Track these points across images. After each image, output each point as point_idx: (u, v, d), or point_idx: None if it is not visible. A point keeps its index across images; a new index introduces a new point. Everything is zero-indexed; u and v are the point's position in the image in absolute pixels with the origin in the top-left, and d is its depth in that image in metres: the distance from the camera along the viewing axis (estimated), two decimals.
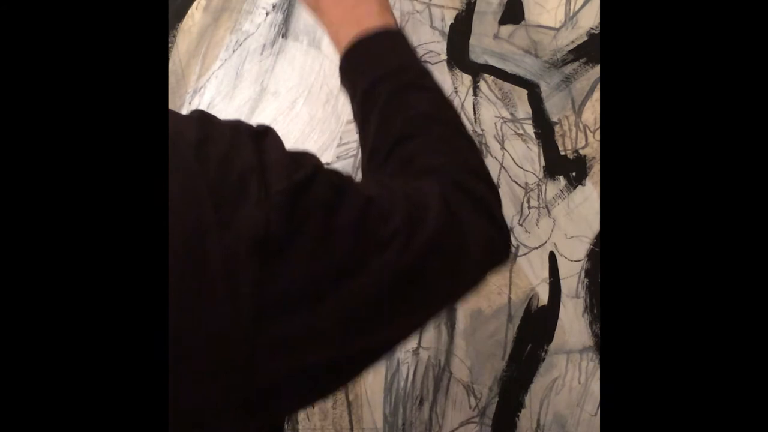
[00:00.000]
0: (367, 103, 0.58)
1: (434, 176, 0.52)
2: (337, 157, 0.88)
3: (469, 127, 0.76)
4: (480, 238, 0.51)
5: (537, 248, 0.72)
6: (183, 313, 0.38)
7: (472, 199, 0.52)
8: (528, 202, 0.72)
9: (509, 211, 0.74)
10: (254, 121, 0.98)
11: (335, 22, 0.62)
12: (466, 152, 0.57)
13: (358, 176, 0.85)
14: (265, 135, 0.46)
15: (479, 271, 0.53)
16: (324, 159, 0.90)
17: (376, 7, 0.61)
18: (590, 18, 0.70)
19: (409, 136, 0.55)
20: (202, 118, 0.45)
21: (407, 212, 0.47)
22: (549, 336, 0.70)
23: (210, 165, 0.41)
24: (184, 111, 1.07)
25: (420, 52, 0.81)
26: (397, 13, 0.83)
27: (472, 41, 0.78)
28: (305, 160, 0.46)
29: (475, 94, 0.77)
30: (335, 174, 0.47)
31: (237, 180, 0.41)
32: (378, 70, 0.58)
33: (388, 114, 0.57)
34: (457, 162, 0.55)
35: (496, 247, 0.54)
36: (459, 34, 0.79)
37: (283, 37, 0.97)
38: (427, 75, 0.60)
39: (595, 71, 0.69)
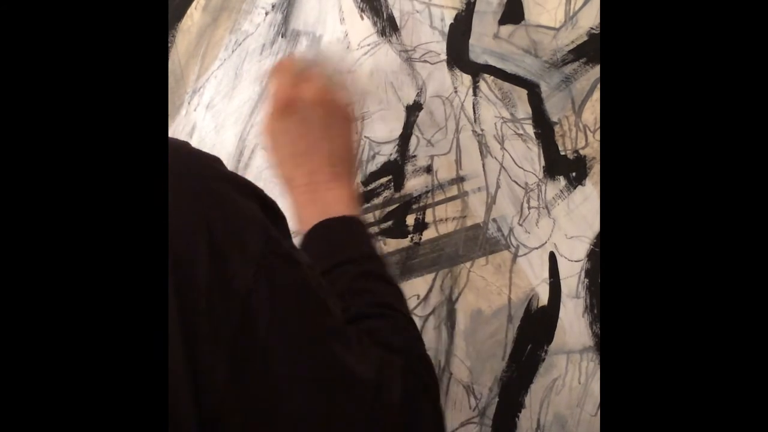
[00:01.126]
0: (330, 277, 0.58)
1: (395, 355, 0.53)
2: None
3: (468, 126, 0.77)
4: (429, 422, 0.54)
5: (537, 248, 0.72)
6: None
7: (424, 387, 0.54)
8: (528, 202, 0.72)
9: (509, 211, 0.74)
10: (254, 120, 0.98)
11: (300, 204, 0.63)
12: (419, 342, 0.59)
13: (358, 178, 0.85)
14: (273, 206, 0.48)
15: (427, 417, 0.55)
16: None
17: (346, 195, 0.63)
18: (590, 18, 0.70)
19: (372, 316, 0.56)
20: (216, 162, 0.46)
21: (381, 369, 0.49)
22: (549, 336, 0.70)
23: (214, 213, 0.42)
24: (183, 111, 1.07)
25: (419, 52, 0.81)
26: (396, 13, 0.83)
27: (471, 41, 0.78)
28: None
29: (474, 94, 0.77)
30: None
31: (238, 232, 0.42)
32: (341, 254, 0.59)
33: (353, 294, 0.57)
34: (413, 349, 0.57)
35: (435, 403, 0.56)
36: (459, 34, 0.78)
37: (282, 37, 0.97)
38: (385, 267, 0.62)
39: (595, 71, 0.69)
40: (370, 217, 0.82)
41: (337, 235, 0.60)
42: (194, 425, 0.39)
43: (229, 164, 0.97)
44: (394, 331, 0.57)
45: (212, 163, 0.45)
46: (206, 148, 1.02)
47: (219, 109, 1.03)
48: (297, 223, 0.62)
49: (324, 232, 0.60)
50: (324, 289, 0.49)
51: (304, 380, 0.45)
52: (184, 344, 0.39)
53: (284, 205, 0.52)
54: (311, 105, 0.64)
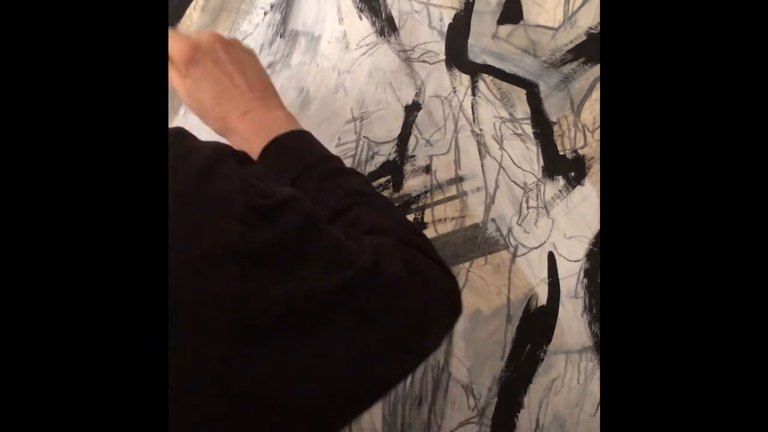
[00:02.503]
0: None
1: (385, 234, 0.54)
2: None
3: (467, 126, 0.77)
4: (441, 289, 0.54)
5: (536, 248, 0.72)
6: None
7: (422, 252, 0.54)
8: (527, 202, 0.72)
9: (508, 211, 0.74)
10: None
11: (245, 135, 0.64)
12: (402, 216, 0.60)
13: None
14: (249, 160, 0.48)
15: (444, 320, 0.55)
16: None
17: (281, 114, 0.65)
18: (589, 18, 0.70)
19: (349, 207, 0.58)
20: (181, 134, 0.45)
21: (374, 253, 0.48)
22: (548, 336, 0.70)
23: (190, 177, 0.41)
24: (182, 111, 1.07)
25: (418, 52, 0.81)
26: (395, 13, 0.83)
27: (470, 41, 0.78)
28: (285, 184, 0.47)
29: (473, 93, 0.77)
30: (311, 206, 0.48)
31: (219, 194, 0.42)
32: (300, 162, 0.61)
33: (323, 194, 0.59)
34: (400, 223, 0.58)
35: (454, 296, 0.56)
36: (457, 34, 0.78)
37: (281, 37, 0.97)
38: (343, 163, 0.63)
39: (594, 71, 0.69)
40: None
41: (289, 148, 0.62)
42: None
43: None
44: (375, 213, 0.58)
45: (181, 137, 0.45)
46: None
47: None
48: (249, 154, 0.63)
49: (276, 149, 0.62)
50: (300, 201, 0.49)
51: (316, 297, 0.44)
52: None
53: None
54: (212, 46, 0.66)
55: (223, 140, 0.66)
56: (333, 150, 0.88)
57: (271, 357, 0.42)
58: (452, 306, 0.56)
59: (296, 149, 0.63)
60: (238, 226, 0.41)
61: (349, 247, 0.48)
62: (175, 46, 0.67)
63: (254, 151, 0.62)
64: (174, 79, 0.68)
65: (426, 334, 0.53)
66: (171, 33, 0.68)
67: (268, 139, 0.62)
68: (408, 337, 0.50)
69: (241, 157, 0.47)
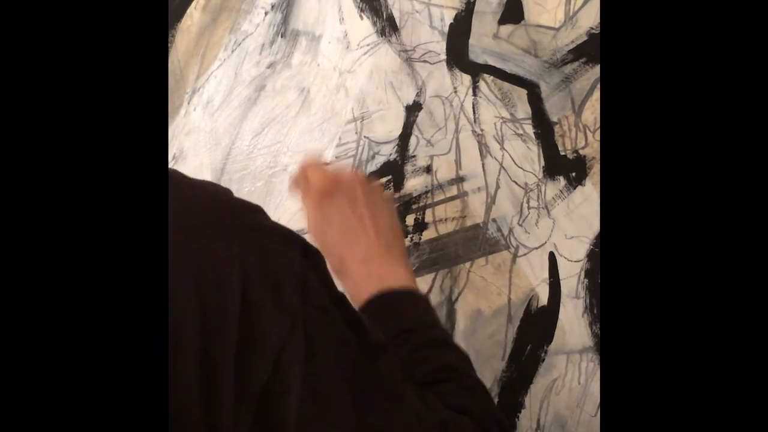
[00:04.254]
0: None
1: (467, 417, 0.51)
2: (336, 157, 0.88)
3: (468, 126, 0.77)
4: None
5: (537, 249, 0.72)
6: (185, 392, 0.37)
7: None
8: (528, 202, 0.72)
9: (509, 212, 0.74)
10: (254, 121, 0.98)
11: (358, 280, 0.62)
12: (490, 403, 0.57)
13: None
14: (316, 254, 0.46)
15: None
16: (323, 159, 0.90)
17: (402, 272, 0.62)
18: (590, 18, 0.70)
19: (438, 381, 0.55)
20: (257, 212, 0.45)
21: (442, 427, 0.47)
22: (549, 336, 0.70)
23: (250, 262, 0.41)
24: (183, 111, 1.07)
25: (419, 52, 0.81)
26: (396, 13, 0.83)
27: (471, 41, 0.78)
28: (350, 310, 0.46)
29: (474, 94, 0.77)
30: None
31: (274, 283, 0.41)
32: (403, 323, 0.58)
33: (416, 363, 0.56)
34: (484, 410, 0.54)
35: None
36: (458, 34, 0.78)
37: (281, 37, 0.97)
38: (449, 336, 0.61)
39: (595, 71, 0.69)
40: None
41: (396, 306, 0.60)
42: None
43: (229, 165, 0.97)
44: (462, 392, 0.55)
45: (252, 212, 0.44)
46: (204, 149, 1.02)
47: (218, 108, 1.03)
48: (354, 301, 0.60)
49: (383, 303, 0.59)
50: (374, 341, 0.47)
51: None
52: (205, 395, 0.38)
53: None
54: (352, 184, 0.66)
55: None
56: (333, 150, 0.88)
57: None
58: None
59: (402, 309, 0.60)
60: (282, 320, 0.41)
61: (414, 405, 0.47)
62: (317, 176, 0.66)
63: (361, 297, 0.61)
64: (306, 205, 0.67)
65: None
66: (315, 163, 0.68)
67: (378, 290, 0.60)
68: None
69: (310, 248, 0.46)
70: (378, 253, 0.63)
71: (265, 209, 0.47)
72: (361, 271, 0.62)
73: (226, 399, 0.38)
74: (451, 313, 0.76)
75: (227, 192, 0.44)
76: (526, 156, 0.73)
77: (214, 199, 0.42)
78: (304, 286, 0.42)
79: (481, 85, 0.77)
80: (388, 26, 0.84)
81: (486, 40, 0.77)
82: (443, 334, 0.60)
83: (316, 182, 0.66)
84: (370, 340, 0.46)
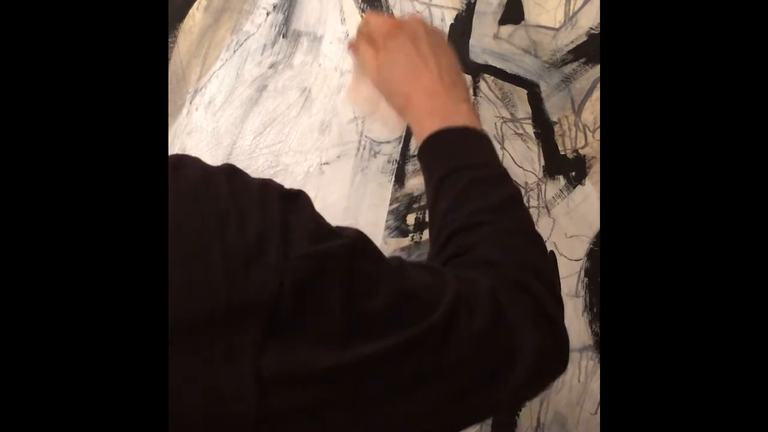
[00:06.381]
0: (441, 187, 0.57)
1: (491, 270, 0.49)
2: (338, 157, 0.88)
3: None
4: (531, 346, 0.47)
5: None
6: (181, 366, 0.37)
7: (529, 299, 0.49)
8: (528, 201, 0.72)
9: None
10: (255, 121, 0.98)
11: (422, 114, 0.61)
12: (531, 252, 0.54)
13: (357, 178, 0.86)
14: (296, 197, 0.44)
15: (527, 383, 0.48)
16: (324, 158, 0.90)
17: (465, 108, 0.61)
18: (590, 18, 0.70)
19: (475, 225, 0.53)
20: (231, 172, 0.43)
21: (451, 306, 0.44)
22: None
23: (229, 222, 0.39)
24: (185, 110, 1.07)
25: None
26: (397, 13, 0.84)
27: (472, 41, 0.78)
28: (339, 232, 0.44)
29: (475, 94, 0.77)
30: (373, 256, 0.44)
31: (255, 240, 0.39)
32: (459, 160, 0.58)
33: (459, 201, 0.55)
34: (518, 259, 0.51)
35: (549, 358, 0.49)
36: (459, 34, 0.79)
37: (283, 37, 0.97)
38: (506, 176, 0.58)
39: (595, 71, 0.70)
40: None
41: (453, 143, 0.59)
42: None
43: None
44: (495, 240, 0.52)
45: (225, 173, 0.43)
46: (206, 149, 1.02)
47: (220, 108, 1.03)
48: (416, 135, 0.62)
49: (441, 139, 0.59)
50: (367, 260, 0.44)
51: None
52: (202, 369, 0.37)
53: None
54: (414, 25, 0.66)
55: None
56: (334, 149, 0.89)
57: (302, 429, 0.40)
58: (540, 367, 0.48)
59: (459, 146, 0.59)
60: (269, 278, 0.39)
61: (419, 299, 0.44)
62: (378, 20, 0.67)
63: (423, 133, 0.60)
64: (367, 51, 0.67)
65: (498, 393, 0.47)
66: (376, 13, 0.69)
67: (441, 125, 0.59)
68: (470, 396, 0.46)
69: (290, 193, 0.44)
70: (442, 89, 0.62)
71: None
72: (426, 106, 0.62)
73: (222, 365, 0.37)
74: None
75: (195, 161, 0.43)
76: (526, 155, 0.73)
77: (183, 169, 0.42)
78: (286, 237, 0.40)
79: (482, 85, 0.77)
80: None
81: (486, 40, 0.77)
82: (494, 170, 0.58)
83: (380, 26, 0.66)
84: (363, 268, 0.43)
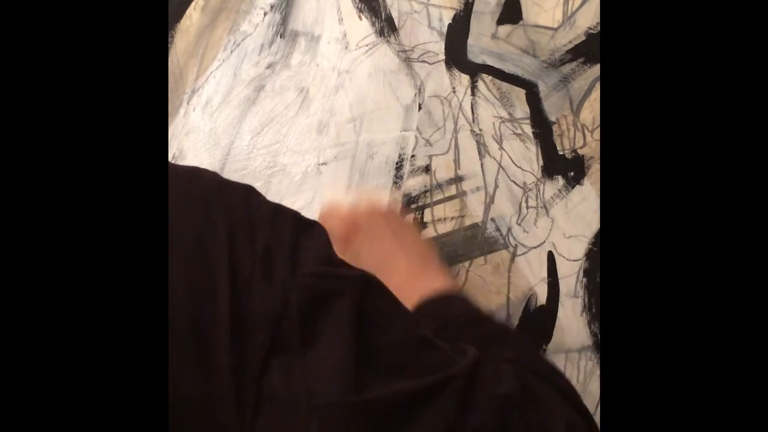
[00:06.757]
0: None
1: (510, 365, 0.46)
2: (335, 157, 0.88)
3: (467, 126, 0.77)
4: (562, 417, 0.43)
5: (535, 248, 0.72)
6: (182, 375, 0.36)
7: (553, 385, 0.46)
8: (526, 201, 0.72)
9: (508, 211, 0.74)
10: (253, 121, 0.98)
11: (403, 297, 0.60)
12: (542, 360, 0.52)
13: (356, 177, 0.86)
14: (311, 225, 0.43)
15: None
16: (322, 159, 0.90)
17: (441, 278, 0.61)
18: (588, 18, 0.70)
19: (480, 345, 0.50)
20: (248, 190, 0.42)
21: (474, 363, 0.41)
22: (548, 335, 0.70)
23: (239, 233, 0.39)
24: (182, 111, 1.07)
25: (418, 52, 0.81)
26: (395, 13, 0.83)
27: (470, 41, 0.78)
28: (351, 266, 0.42)
29: (473, 93, 0.77)
30: (389, 296, 0.43)
31: (263, 254, 0.39)
32: (444, 319, 0.55)
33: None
34: (536, 363, 0.49)
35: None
36: (457, 34, 0.79)
37: (281, 38, 0.97)
38: (504, 330, 0.57)
39: (593, 71, 0.70)
40: None
41: (441, 306, 0.58)
42: None
43: (228, 165, 0.97)
44: (506, 349, 0.50)
45: (238, 189, 0.42)
46: (203, 149, 1.02)
47: (217, 109, 1.03)
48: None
49: (428, 307, 0.58)
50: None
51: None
52: (204, 378, 0.37)
53: None
54: (370, 222, 0.65)
55: None
56: (331, 150, 0.89)
57: None
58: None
59: (447, 308, 0.58)
60: (273, 294, 0.38)
61: (438, 350, 0.41)
62: (335, 225, 0.65)
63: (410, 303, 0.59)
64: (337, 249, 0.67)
65: None
66: (329, 213, 0.67)
67: (420, 297, 0.58)
68: None
69: (305, 221, 0.43)
70: (415, 275, 0.62)
71: None
72: (402, 294, 0.61)
73: (226, 379, 0.36)
74: None
75: (214, 174, 0.43)
76: (525, 155, 0.73)
77: (198, 179, 0.41)
78: (294, 256, 0.39)
79: (480, 84, 0.77)
80: (386, 26, 0.84)
81: (484, 40, 0.77)
82: (496, 328, 0.56)
83: (338, 230, 0.65)
84: (376, 305, 0.42)
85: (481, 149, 0.76)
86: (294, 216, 0.43)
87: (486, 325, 0.56)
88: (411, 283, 0.61)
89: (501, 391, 0.41)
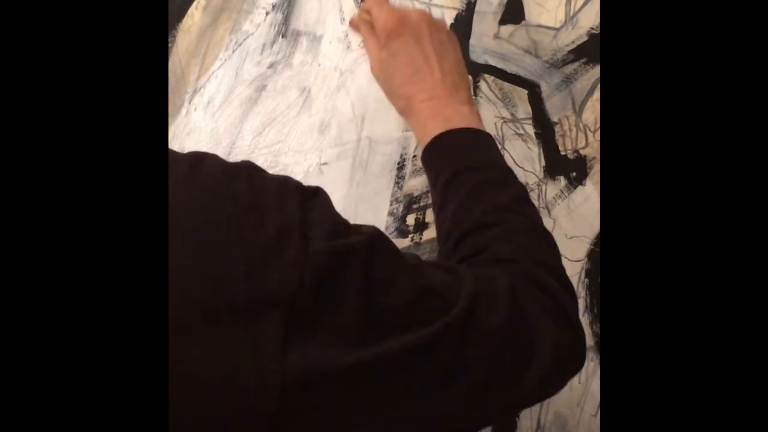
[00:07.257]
0: (447, 189, 0.57)
1: (507, 266, 0.50)
2: (337, 157, 0.88)
3: None
4: (550, 339, 0.47)
5: None
6: (202, 362, 0.37)
7: (546, 295, 0.49)
8: None
9: None
10: (254, 120, 0.98)
11: (423, 119, 0.61)
12: (543, 249, 0.54)
13: (357, 176, 0.86)
14: (314, 194, 0.44)
15: (547, 377, 0.47)
16: (323, 158, 0.90)
17: (467, 110, 0.61)
18: (590, 18, 0.70)
19: (486, 226, 0.54)
20: (250, 168, 0.43)
21: (470, 302, 0.44)
22: None
23: (249, 217, 0.40)
24: (184, 110, 1.07)
25: None
26: None
27: (472, 41, 0.78)
28: (356, 229, 0.44)
29: (475, 94, 0.77)
30: (391, 253, 0.44)
31: (275, 235, 0.40)
32: (463, 162, 0.57)
33: (467, 202, 0.55)
34: (533, 257, 0.52)
35: (567, 352, 0.49)
36: (459, 34, 0.78)
37: (282, 37, 0.97)
38: (512, 175, 0.59)
39: (596, 71, 0.69)
40: None
41: (459, 144, 0.59)
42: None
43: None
44: (508, 238, 0.53)
45: (243, 170, 0.43)
46: (205, 149, 1.02)
47: (219, 108, 1.03)
48: (419, 139, 0.62)
49: (447, 141, 0.59)
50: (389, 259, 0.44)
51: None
52: (214, 359, 0.37)
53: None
54: (418, 23, 0.64)
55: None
56: (333, 149, 0.89)
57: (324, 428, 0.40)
58: (559, 361, 0.48)
59: (463, 148, 0.59)
60: (290, 273, 0.39)
61: (438, 296, 0.44)
62: (382, 14, 0.65)
63: (425, 137, 0.60)
64: (369, 42, 0.66)
65: (519, 389, 0.46)
66: (380, 1, 0.66)
67: (443, 128, 0.59)
68: (491, 392, 0.45)
69: (309, 190, 0.44)
70: (444, 93, 0.62)
71: None
72: (427, 111, 0.62)
73: (247, 361, 0.38)
74: None
75: (215, 157, 0.43)
76: (527, 156, 0.73)
77: (201, 165, 0.42)
78: (305, 234, 0.41)
79: (482, 85, 0.77)
80: None
81: (486, 40, 0.77)
82: (499, 171, 0.58)
83: (382, 21, 0.64)
84: (378, 267, 0.43)
85: None
86: (297, 188, 0.43)
87: (489, 171, 0.58)
88: (437, 101, 0.61)
89: (495, 325, 0.45)
